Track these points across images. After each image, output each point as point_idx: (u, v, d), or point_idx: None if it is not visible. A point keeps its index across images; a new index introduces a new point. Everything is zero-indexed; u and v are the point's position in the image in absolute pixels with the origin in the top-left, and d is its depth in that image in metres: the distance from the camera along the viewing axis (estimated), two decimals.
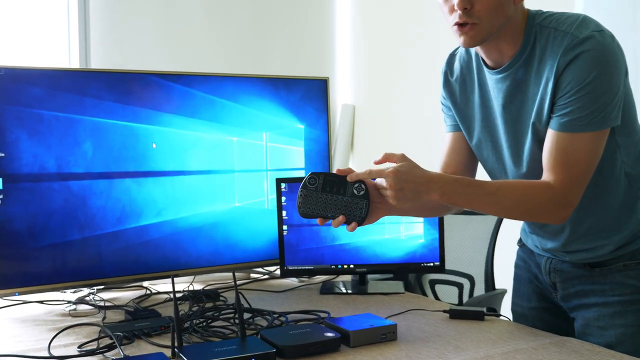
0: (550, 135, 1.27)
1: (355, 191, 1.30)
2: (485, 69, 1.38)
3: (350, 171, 1.32)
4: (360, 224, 1.30)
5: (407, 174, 1.22)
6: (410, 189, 1.22)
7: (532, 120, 1.30)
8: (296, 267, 1.96)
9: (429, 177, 1.24)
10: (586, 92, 1.21)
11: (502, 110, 1.36)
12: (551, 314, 1.55)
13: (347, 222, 1.30)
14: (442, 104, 1.56)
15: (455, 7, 1.25)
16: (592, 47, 1.20)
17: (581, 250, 1.41)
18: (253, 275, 2.22)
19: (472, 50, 1.43)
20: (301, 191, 1.30)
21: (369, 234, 1.94)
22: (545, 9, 1.34)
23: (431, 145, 3.21)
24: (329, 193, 1.30)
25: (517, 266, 1.65)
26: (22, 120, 1.74)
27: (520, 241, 1.64)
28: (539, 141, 1.31)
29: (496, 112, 1.38)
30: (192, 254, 1.98)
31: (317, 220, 1.31)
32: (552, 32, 1.26)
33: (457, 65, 1.48)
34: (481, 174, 1.57)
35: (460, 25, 1.26)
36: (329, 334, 1.36)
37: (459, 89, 1.47)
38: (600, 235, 1.38)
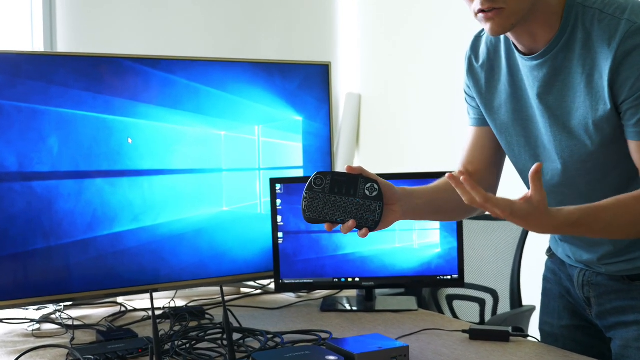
0: (633, 146, 1.28)
1: (367, 192, 1.30)
2: (517, 54, 1.38)
3: (362, 169, 1.32)
4: (372, 229, 1.31)
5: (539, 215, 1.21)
6: (536, 223, 1.23)
7: (578, 113, 1.31)
8: (293, 281, 1.96)
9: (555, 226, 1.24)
10: None
11: (538, 100, 1.36)
12: (585, 334, 1.56)
13: (358, 227, 1.31)
14: (466, 93, 1.56)
15: None
16: None
17: (619, 262, 1.42)
18: (244, 290, 2.22)
19: None
20: (306, 193, 1.31)
21: (377, 243, 1.95)
22: None
23: (449, 141, 3.22)
24: (338, 195, 1.30)
25: (545, 279, 1.66)
26: None
27: (549, 250, 1.64)
28: (584, 136, 1.31)
29: (532, 102, 1.38)
30: (173, 265, 1.99)
31: (325, 226, 1.31)
32: (598, 13, 1.26)
33: (483, 49, 1.48)
34: (506, 171, 1.57)
35: (485, 11, 1.27)
36: (331, 358, 1.37)
37: (484, 76, 1.48)
38: None
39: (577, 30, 1.29)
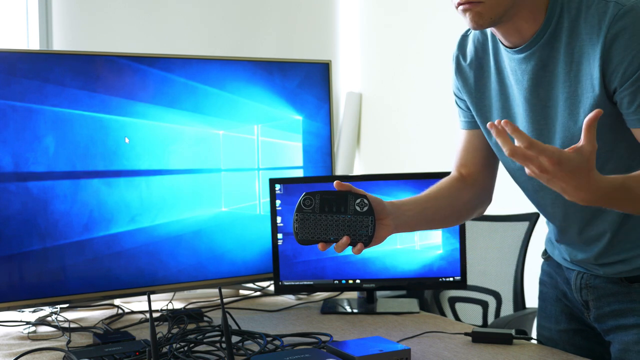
0: (638, 134, 1.27)
1: (358, 208, 1.32)
2: (503, 49, 1.39)
3: (351, 187, 1.34)
4: (367, 244, 1.33)
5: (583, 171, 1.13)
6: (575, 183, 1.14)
7: (569, 103, 1.31)
8: (293, 283, 1.96)
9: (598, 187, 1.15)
10: None
11: (529, 95, 1.36)
12: (583, 338, 1.56)
13: (352, 244, 1.33)
14: (456, 95, 1.56)
15: None
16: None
17: (617, 262, 1.42)
18: (242, 292, 2.22)
19: (488, 29, 1.44)
20: (297, 215, 1.33)
21: (378, 244, 1.94)
22: None
23: (451, 141, 3.21)
24: (329, 213, 1.32)
25: (542, 282, 1.66)
26: None
27: (545, 253, 1.64)
28: (574, 127, 1.32)
29: (517, 99, 1.39)
30: (171, 267, 1.99)
31: (319, 246, 1.33)
32: (585, 0, 1.27)
33: (470, 48, 1.49)
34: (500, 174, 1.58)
35: (463, 4, 1.28)
36: None
37: (473, 75, 1.48)
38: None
39: (563, 19, 1.29)
